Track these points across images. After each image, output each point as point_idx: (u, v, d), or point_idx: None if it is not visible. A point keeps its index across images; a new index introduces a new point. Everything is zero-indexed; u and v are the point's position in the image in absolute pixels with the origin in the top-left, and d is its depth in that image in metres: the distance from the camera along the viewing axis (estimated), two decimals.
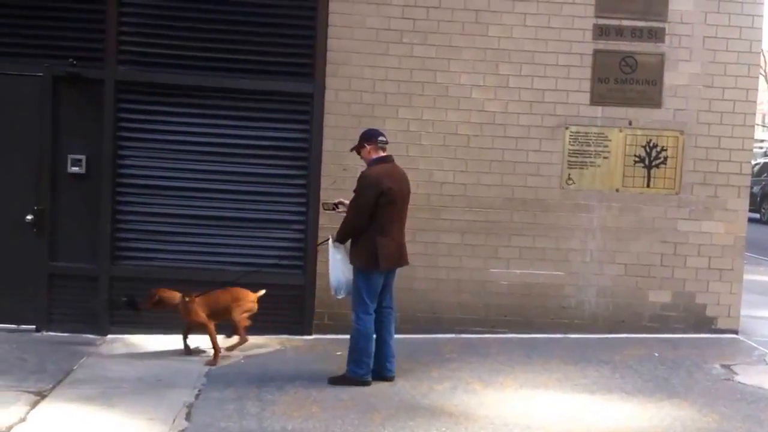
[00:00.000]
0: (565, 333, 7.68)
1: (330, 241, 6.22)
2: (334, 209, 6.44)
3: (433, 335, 7.53)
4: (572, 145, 7.69)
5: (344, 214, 6.22)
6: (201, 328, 6.73)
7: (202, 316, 6.65)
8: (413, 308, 7.56)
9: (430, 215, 7.56)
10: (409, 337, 7.36)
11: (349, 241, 6.14)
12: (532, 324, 7.66)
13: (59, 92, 7.29)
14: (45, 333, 7.29)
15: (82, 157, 7.34)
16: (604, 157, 7.72)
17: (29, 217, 7.28)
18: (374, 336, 6.12)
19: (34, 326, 7.31)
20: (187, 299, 6.64)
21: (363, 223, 5.92)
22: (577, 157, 7.70)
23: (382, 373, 6.18)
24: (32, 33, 7.28)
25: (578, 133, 7.69)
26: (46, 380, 5.99)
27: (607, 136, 7.71)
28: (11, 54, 7.26)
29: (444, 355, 6.96)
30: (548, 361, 6.81)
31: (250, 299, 6.85)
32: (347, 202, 6.29)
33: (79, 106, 7.34)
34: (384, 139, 6.18)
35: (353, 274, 6.09)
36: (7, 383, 5.88)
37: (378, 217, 5.93)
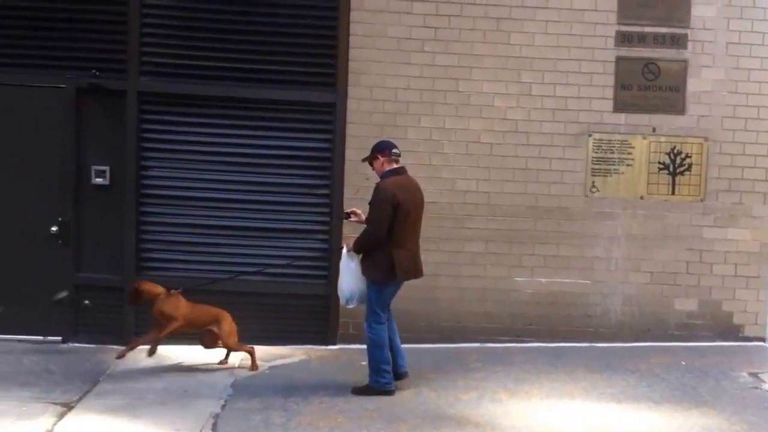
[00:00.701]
0: (590, 342, 7.65)
1: (344, 250, 6.24)
2: (347, 218, 6.47)
3: (458, 344, 7.52)
4: (596, 152, 7.67)
5: (358, 223, 6.29)
6: (166, 322, 6.48)
7: (174, 313, 6.47)
8: (437, 317, 7.57)
9: (454, 224, 7.56)
10: (433, 347, 7.38)
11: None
12: (558, 333, 7.63)
13: (82, 103, 7.36)
14: (71, 344, 7.36)
15: (106, 168, 7.40)
16: (628, 165, 7.70)
17: (54, 228, 7.35)
18: (388, 344, 6.14)
19: (60, 337, 7.38)
20: (171, 292, 6.55)
21: (383, 236, 5.94)
22: (600, 164, 7.69)
23: (395, 370, 6.22)
24: (55, 44, 7.35)
25: (602, 140, 7.67)
26: (72, 391, 6.04)
27: (630, 144, 7.69)
28: (34, 66, 7.34)
29: (469, 364, 6.95)
30: (574, 370, 6.79)
31: (229, 320, 6.71)
32: (359, 211, 6.34)
33: (102, 118, 7.41)
34: (397, 151, 6.20)
35: (367, 285, 6.10)
36: (34, 395, 5.93)
37: (394, 229, 5.96)
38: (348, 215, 6.45)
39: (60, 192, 7.38)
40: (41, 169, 7.38)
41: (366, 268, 6.08)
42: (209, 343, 6.75)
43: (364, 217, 6.28)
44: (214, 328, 6.62)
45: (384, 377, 6.08)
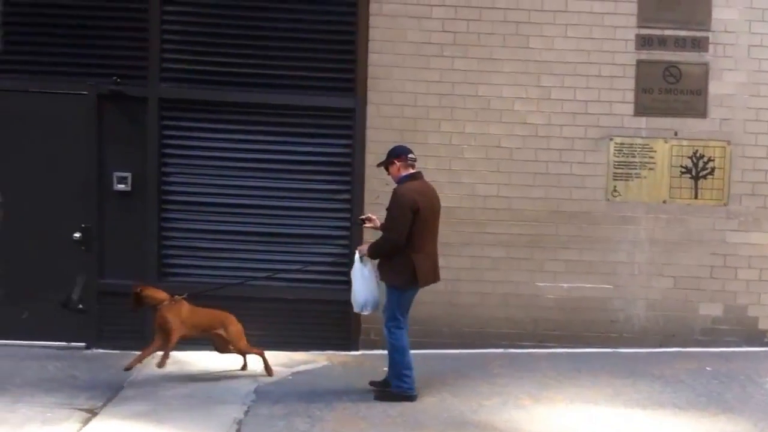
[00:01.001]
0: (614, 347, 7.62)
1: (357, 255, 6.24)
2: (362, 223, 6.49)
3: (481, 350, 7.50)
4: (617, 156, 7.65)
5: (373, 229, 6.32)
6: (169, 331, 6.31)
7: (177, 319, 6.33)
8: (460, 323, 7.56)
9: (475, 229, 7.56)
10: (456, 352, 7.37)
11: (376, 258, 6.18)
12: (581, 338, 7.60)
13: (104, 110, 7.42)
14: (95, 350, 7.39)
15: (128, 174, 7.45)
16: (650, 169, 7.68)
17: (77, 234, 7.40)
18: (409, 348, 6.14)
19: (84, 343, 7.42)
20: (175, 299, 6.41)
21: (402, 242, 5.95)
22: (622, 168, 7.66)
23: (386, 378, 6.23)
24: (76, 52, 7.41)
25: (623, 144, 7.65)
26: (97, 397, 6.07)
27: (652, 148, 7.66)
28: (57, 73, 7.39)
29: (492, 370, 6.94)
30: (598, 376, 6.76)
31: (234, 321, 6.64)
32: (375, 217, 6.37)
33: (124, 124, 7.46)
34: (413, 156, 6.21)
35: (387, 291, 6.11)
36: (59, 400, 5.96)
37: (413, 234, 5.96)
38: (363, 221, 6.47)
39: (82, 198, 7.44)
40: (64, 176, 7.44)
41: (386, 273, 6.08)
42: (221, 347, 6.72)
43: (379, 223, 6.30)
44: (222, 332, 6.57)
45: (406, 382, 6.08)
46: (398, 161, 6.14)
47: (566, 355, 7.43)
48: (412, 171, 6.16)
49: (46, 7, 7.30)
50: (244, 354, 6.73)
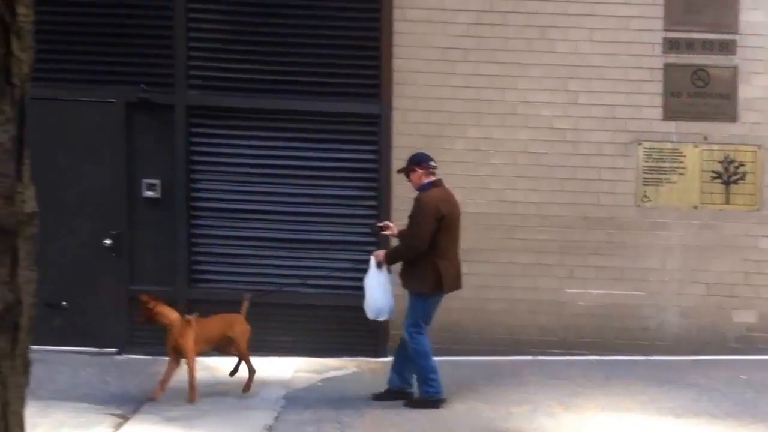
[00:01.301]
0: (646, 355, 7.54)
1: (373, 261, 6.21)
2: (380, 231, 6.50)
3: (511, 357, 7.46)
4: (646, 161, 7.61)
5: (391, 236, 6.36)
6: (183, 353, 6.06)
7: (191, 340, 6.04)
8: (489, 330, 7.53)
9: (503, 235, 7.54)
10: (485, 359, 7.34)
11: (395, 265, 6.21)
12: (612, 346, 7.54)
13: (132, 118, 7.51)
14: (126, 356, 7.43)
15: (157, 181, 7.52)
16: (680, 174, 7.62)
17: (107, 241, 7.47)
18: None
19: (115, 349, 7.47)
20: (186, 320, 6.08)
21: (424, 248, 5.96)
22: (652, 173, 7.62)
23: (403, 387, 6.22)
24: (105, 60, 7.49)
25: (652, 149, 7.61)
26: (128, 403, 6.10)
27: (682, 152, 7.61)
28: (85, 81, 7.47)
29: (522, 377, 6.89)
30: (630, 384, 6.69)
31: (242, 321, 6.40)
32: (392, 224, 6.40)
33: (152, 131, 7.54)
34: (434, 163, 6.23)
35: (410, 298, 6.11)
36: (91, 406, 6.00)
37: (437, 241, 5.98)
38: (381, 228, 6.48)
39: (112, 205, 7.51)
40: (94, 183, 7.51)
41: (410, 281, 6.09)
42: (224, 347, 6.42)
43: (397, 231, 6.34)
44: (230, 333, 6.33)
45: (432, 386, 6.07)
46: (420, 168, 6.15)
47: (597, 362, 7.37)
48: (433, 178, 6.18)
49: (74, 16, 7.39)
50: (243, 356, 6.39)
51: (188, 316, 6.12)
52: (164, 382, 6.08)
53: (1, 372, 1.59)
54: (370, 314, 6.27)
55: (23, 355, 1.68)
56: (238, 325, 6.35)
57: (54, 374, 6.71)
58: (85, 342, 7.40)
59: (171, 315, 6.06)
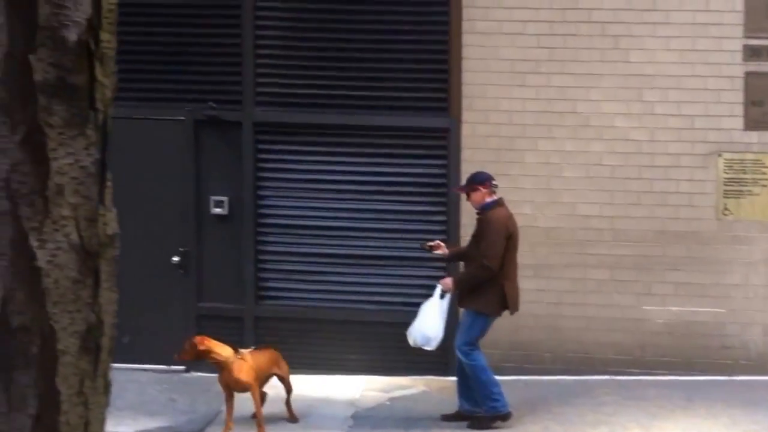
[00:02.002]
0: (729, 375, 7.31)
1: (439, 290, 6.16)
2: (430, 251, 6.48)
3: (585, 377, 7.31)
4: (727, 173, 7.41)
5: (441, 257, 6.43)
6: (242, 389, 5.91)
7: (251, 376, 5.86)
8: (562, 348, 7.41)
9: (576, 250, 7.42)
10: (559, 379, 7.22)
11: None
12: (693, 365, 7.33)
13: (200, 135, 7.66)
14: (195, 373, 7.49)
15: (224, 198, 7.64)
16: (763, 185, 7.39)
17: (175, 258, 7.62)
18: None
19: (183, 366, 7.53)
20: (239, 356, 5.90)
21: (497, 269, 5.96)
22: (733, 185, 7.41)
23: (474, 411, 6.15)
24: (173, 78, 7.67)
25: (733, 160, 7.41)
26: (197, 421, 6.21)
27: (764, 163, 7.39)
28: (155, 99, 7.65)
29: (597, 397, 6.77)
30: (712, 405, 6.51)
31: (284, 361, 6.30)
32: (443, 244, 6.41)
33: (219, 148, 7.68)
34: (496, 182, 6.23)
35: (469, 316, 6.09)
36: (159, 424, 6.13)
37: (504, 261, 6.00)
38: (431, 248, 6.46)
39: (181, 222, 7.66)
40: (162, 201, 7.67)
41: (473, 300, 6.07)
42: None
43: (447, 251, 6.38)
44: (276, 370, 6.15)
45: (497, 400, 6.04)
46: (483, 188, 6.15)
47: (677, 382, 7.17)
48: (495, 197, 6.16)
49: (143, 36, 7.53)
50: (290, 391, 6.25)
51: (241, 351, 5.98)
52: (229, 418, 5.91)
53: (83, 392, 1.64)
54: (418, 340, 6.18)
55: (104, 375, 1.72)
56: (284, 363, 6.27)
57: (122, 392, 6.79)
58: (153, 359, 7.50)
59: (224, 351, 5.89)
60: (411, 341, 6.23)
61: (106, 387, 1.74)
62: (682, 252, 7.39)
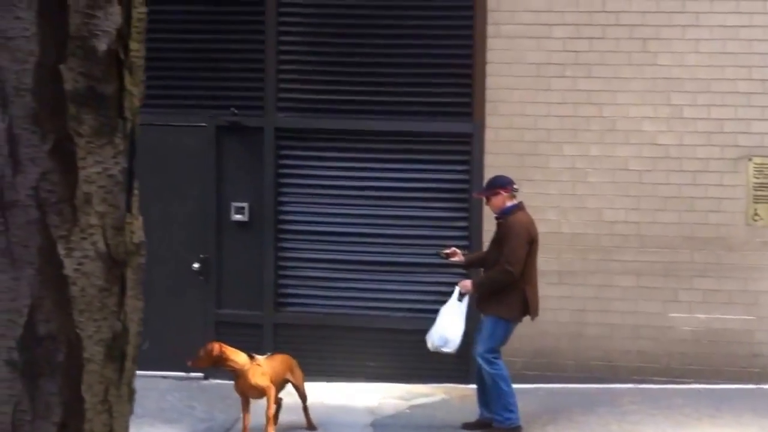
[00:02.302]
0: (757, 383, 7.25)
1: (457, 292, 6.15)
2: (446, 258, 6.47)
3: (609, 385, 7.28)
4: (757, 177, 7.35)
5: (457, 264, 6.43)
6: (258, 395, 5.87)
7: (267, 380, 5.82)
8: (586, 356, 7.38)
9: (601, 256, 7.39)
10: (582, 387, 7.18)
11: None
12: (721, 373, 7.28)
13: (221, 141, 7.70)
14: (213, 381, 7.54)
15: (245, 204, 7.67)
16: None
17: (196, 265, 7.66)
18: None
19: (202, 374, 7.60)
20: (255, 362, 5.87)
21: (519, 274, 5.96)
22: (763, 190, 7.35)
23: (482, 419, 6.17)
24: (195, 84, 7.72)
25: (763, 164, 7.35)
26: (215, 429, 6.25)
27: None
28: (176, 106, 7.69)
29: (622, 406, 6.72)
30: (740, 415, 6.46)
31: (297, 364, 6.25)
32: (459, 251, 6.40)
33: (241, 154, 7.72)
34: (517, 186, 6.24)
35: (490, 323, 6.05)
36: (179, 431, 6.15)
37: (525, 266, 6.01)
38: (447, 255, 6.45)
39: (201, 229, 7.71)
40: (183, 207, 7.72)
41: (494, 306, 6.04)
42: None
43: (464, 259, 6.39)
44: (290, 377, 6.11)
45: (513, 411, 6.04)
46: (505, 192, 6.14)
47: (704, 391, 7.13)
48: (515, 201, 6.15)
49: (165, 42, 7.54)
50: (304, 399, 6.20)
51: (256, 357, 5.95)
52: (246, 426, 5.88)
53: (108, 400, 1.66)
54: (436, 342, 6.17)
55: (129, 383, 1.75)
56: (298, 369, 6.20)
57: (140, 399, 6.70)
58: (172, 367, 7.49)
59: (240, 359, 5.85)
60: (429, 344, 6.23)
61: (130, 395, 1.76)
62: (710, 258, 7.34)
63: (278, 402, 6.05)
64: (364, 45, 7.62)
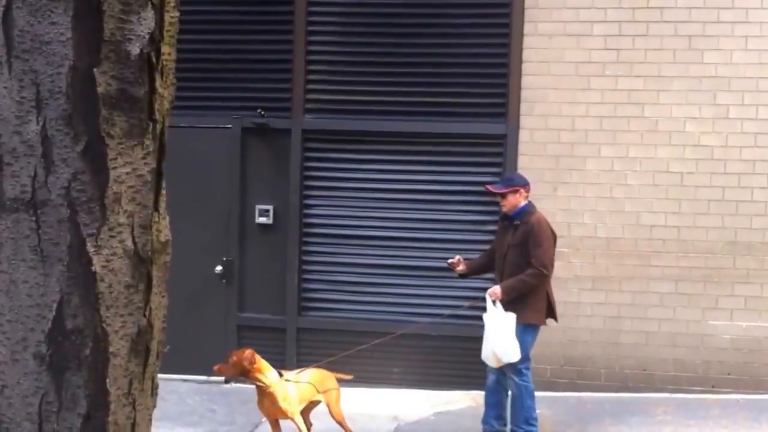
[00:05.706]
0: None
1: (490, 302, 6.06)
2: (453, 268, 6.46)
3: (643, 394, 7.31)
4: None
5: (461, 272, 6.41)
6: (283, 415, 5.62)
7: (294, 404, 5.61)
8: (620, 364, 7.41)
9: (638, 262, 7.41)
10: (615, 396, 7.22)
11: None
12: (761, 383, 7.28)
13: (247, 143, 7.80)
14: (234, 384, 7.65)
15: (270, 207, 7.78)
16: None
17: (218, 268, 7.78)
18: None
19: (223, 378, 7.67)
20: (285, 380, 5.65)
21: (551, 277, 6.04)
22: None
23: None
24: (222, 86, 7.81)
25: None
26: None
27: None
28: (202, 107, 7.78)
29: (656, 416, 6.76)
30: None
31: (334, 380, 6.00)
32: (461, 258, 6.43)
33: (266, 156, 7.82)
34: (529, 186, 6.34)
35: (519, 331, 5.98)
36: None
37: None
38: (452, 266, 6.46)
39: (225, 232, 7.82)
40: (208, 210, 7.83)
41: (523, 312, 6.01)
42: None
43: (464, 266, 6.40)
44: (321, 397, 5.86)
45: (534, 426, 6.08)
46: (525, 191, 6.22)
47: (743, 402, 7.12)
48: (526, 201, 6.22)
49: (192, 44, 7.58)
50: (339, 421, 5.95)
51: (285, 375, 5.74)
52: None
53: (132, 394, 1.77)
54: (503, 359, 5.97)
55: (152, 378, 1.86)
56: (333, 387, 5.93)
57: (161, 401, 6.84)
58: (193, 370, 7.64)
59: (270, 374, 5.60)
60: (494, 363, 6.06)
61: (154, 389, 1.87)
62: (754, 264, 7.33)
63: (308, 425, 5.88)
64: (393, 44, 7.68)
